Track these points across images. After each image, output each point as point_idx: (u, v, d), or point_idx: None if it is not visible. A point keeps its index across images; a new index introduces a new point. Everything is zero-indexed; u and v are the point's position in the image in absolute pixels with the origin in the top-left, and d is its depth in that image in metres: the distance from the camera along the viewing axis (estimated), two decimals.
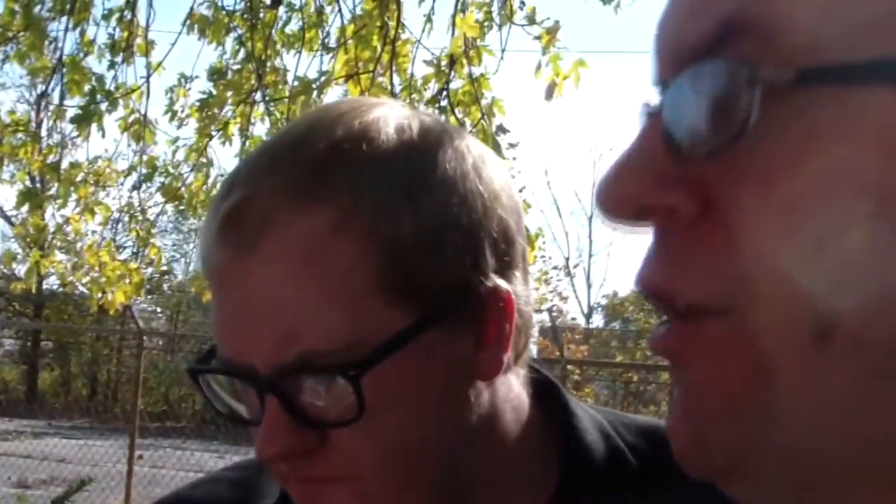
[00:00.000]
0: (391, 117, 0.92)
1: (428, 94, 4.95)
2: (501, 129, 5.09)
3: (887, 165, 0.46)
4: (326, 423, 0.87)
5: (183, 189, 6.04)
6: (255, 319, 0.86)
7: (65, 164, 6.42)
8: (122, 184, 7.14)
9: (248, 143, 5.57)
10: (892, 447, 0.47)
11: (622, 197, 0.52)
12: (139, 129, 5.90)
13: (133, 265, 6.62)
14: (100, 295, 6.38)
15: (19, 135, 6.21)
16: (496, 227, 0.91)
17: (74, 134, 5.88)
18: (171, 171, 6.13)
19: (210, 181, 5.97)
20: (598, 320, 31.48)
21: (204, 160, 5.94)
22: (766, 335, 0.48)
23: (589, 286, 31.62)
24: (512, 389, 0.98)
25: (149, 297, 29.33)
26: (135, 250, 6.87)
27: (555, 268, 27.36)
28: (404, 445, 0.88)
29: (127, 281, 6.37)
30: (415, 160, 0.89)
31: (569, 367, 11.89)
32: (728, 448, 0.51)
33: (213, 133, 5.75)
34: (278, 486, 1.01)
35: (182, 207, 6.30)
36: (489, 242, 0.91)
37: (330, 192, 0.86)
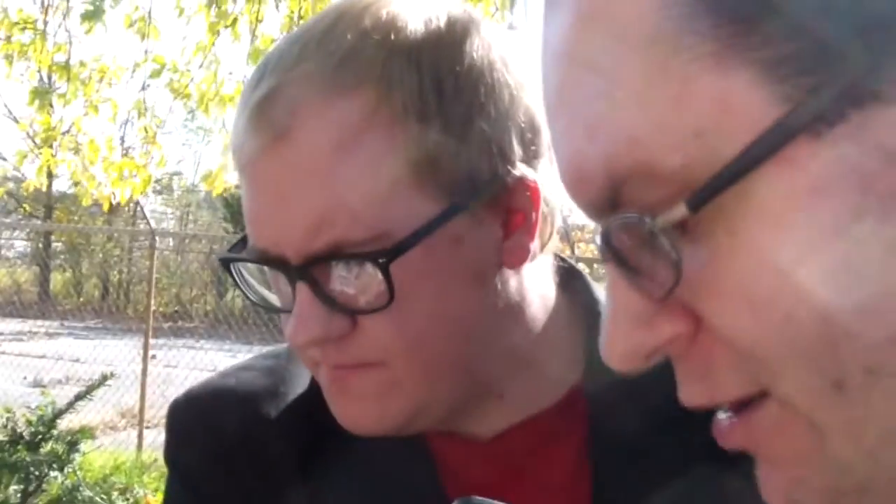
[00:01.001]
0: (418, 7, 0.92)
1: None
2: (511, 27, 5.05)
3: (798, 249, 0.48)
4: (357, 309, 0.88)
5: (191, 87, 6.00)
6: (285, 208, 0.87)
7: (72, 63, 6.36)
8: (128, 81, 7.07)
9: (257, 40, 5.50)
10: None
11: (628, 356, 0.55)
12: (143, 25, 5.83)
13: (140, 163, 6.57)
14: (94, 191, 6.38)
15: (28, 32, 6.15)
16: (523, 117, 0.92)
17: (81, 30, 5.82)
18: (179, 68, 6.06)
19: (219, 79, 5.92)
20: None
21: (212, 57, 5.87)
22: (799, 400, 0.51)
23: None
24: (538, 277, 0.99)
25: (159, 196, 29.31)
26: (144, 150, 6.81)
27: None
28: (432, 331, 0.90)
29: (136, 179, 6.35)
30: (442, 50, 0.89)
31: (580, 265, 11.46)
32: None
33: (221, 30, 5.67)
34: (309, 373, 1.02)
35: (193, 107, 6.22)
36: (516, 131, 0.91)
37: (360, 82, 0.86)
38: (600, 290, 1.05)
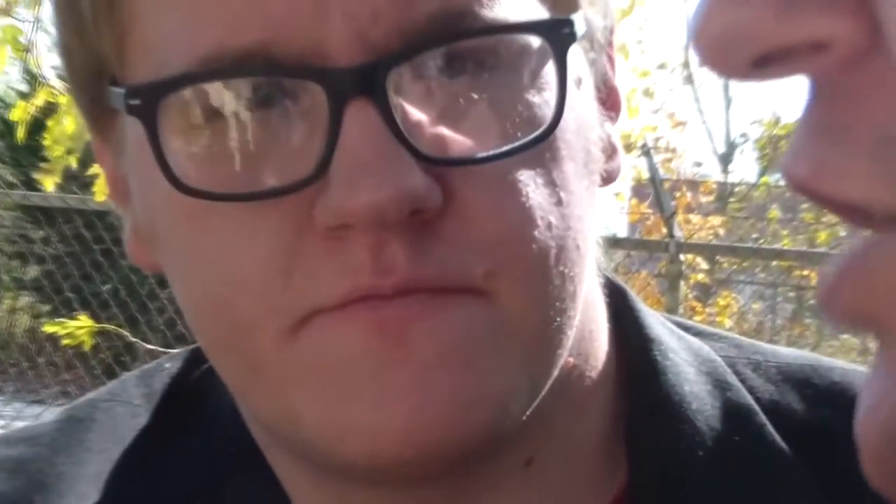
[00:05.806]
0: None
1: None
2: None
3: None
4: (466, 158, 0.56)
5: None
6: None
7: None
8: None
9: None
10: None
11: (733, 36, 0.33)
12: None
13: None
14: None
15: None
16: None
17: None
18: None
19: None
20: (742, 168, 21.75)
21: None
22: None
23: (728, 102, 16.78)
24: (593, 266, 0.68)
25: None
26: None
27: (661, 67, 12.06)
28: (560, 230, 0.58)
29: None
30: None
31: (684, 256, 6.21)
32: None
33: None
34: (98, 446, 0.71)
35: None
36: None
37: None
38: (657, 321, 0.72)
